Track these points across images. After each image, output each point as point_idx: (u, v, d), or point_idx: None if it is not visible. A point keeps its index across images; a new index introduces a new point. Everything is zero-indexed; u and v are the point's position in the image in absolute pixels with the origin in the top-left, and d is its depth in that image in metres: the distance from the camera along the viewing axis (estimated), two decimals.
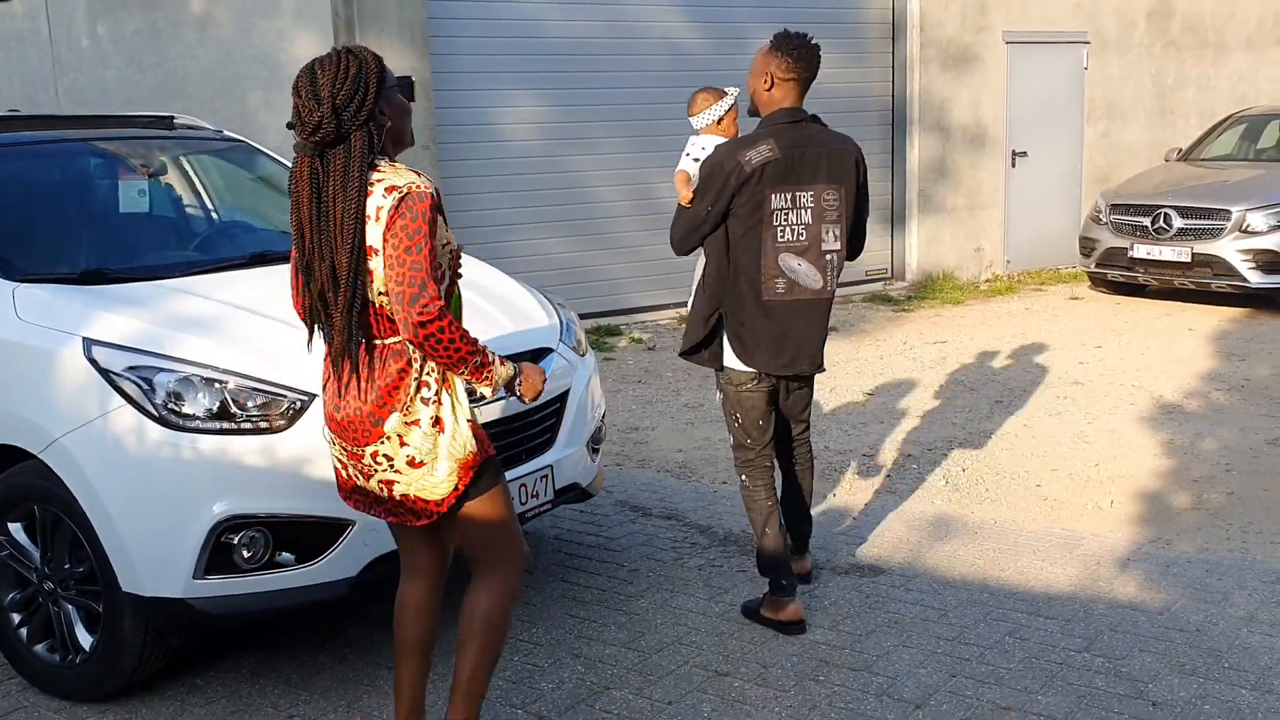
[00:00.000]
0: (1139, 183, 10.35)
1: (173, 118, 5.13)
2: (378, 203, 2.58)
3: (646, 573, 4.35)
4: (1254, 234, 9.07)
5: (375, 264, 2.60)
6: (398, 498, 2.74)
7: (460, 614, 2.86)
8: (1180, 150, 11.08)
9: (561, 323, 4.27)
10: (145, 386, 3.25)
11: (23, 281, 3.63)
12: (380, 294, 2.62)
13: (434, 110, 8.41)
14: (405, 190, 2.57)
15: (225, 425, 3.25)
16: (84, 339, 3.35)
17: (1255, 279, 9.03)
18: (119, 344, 3.33)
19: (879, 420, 6.32)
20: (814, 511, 4.94)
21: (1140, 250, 9.54)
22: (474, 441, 2.74)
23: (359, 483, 2.80)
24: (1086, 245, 10.16)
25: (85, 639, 3.44)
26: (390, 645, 3.74)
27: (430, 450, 2.68)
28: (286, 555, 3.30)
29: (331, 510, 3.28)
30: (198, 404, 3.26)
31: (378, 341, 2.67)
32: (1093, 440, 5.88)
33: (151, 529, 3.23)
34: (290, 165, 2.74)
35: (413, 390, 2.66)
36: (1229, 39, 12.66)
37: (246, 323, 3.56)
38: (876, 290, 10.49)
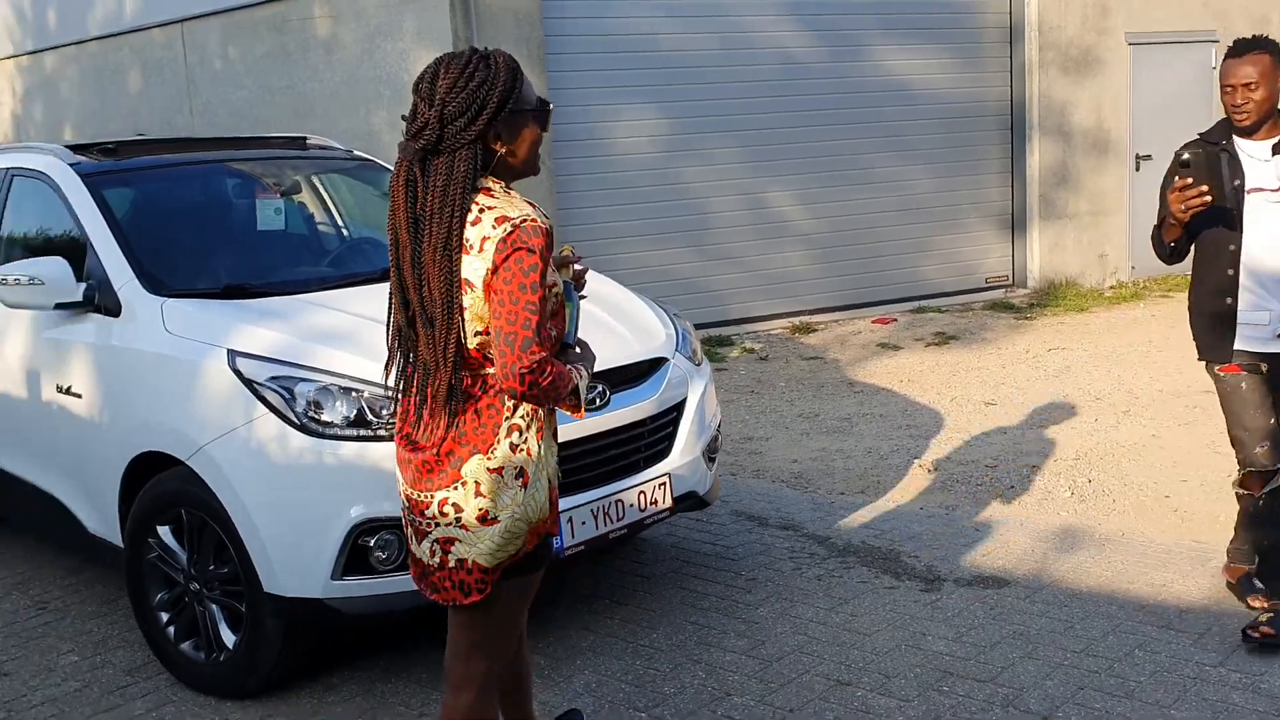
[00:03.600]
0: None
1: (305, 138, 5.35)
2: (484, 233, 2.31)
3: (765, 582, 4.36)
4: None
5: (469, 299, 2.33)
6: (452, 564, 2.41)
7: None
8: None
9: (677, 333, 4.32)
10: (287, 395, 3.40)
11: (170, 297, 3.83)
12: (478, 334, 2.36)
13: (552, 127, 8.55)
14: (518, 223, 2.30)
15: (361, 432, 3.38)
16: (228, 351, 3.52)
17: None
18: (261, 355, 3.49)
19: (1001, 430, 6.22)
20: (935, 521, 4.91)
21: None
22: (549, 507, 2.49)
23: (412, 545, 2.50)
24: None
25: (229, 637, 3.60)
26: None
27: (508, 506, 2.39)
28: None
29: None
30: (336, 412, 3.39)
31: (469, 373, 2.40)
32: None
33: (292, 532, 3.37)
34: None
35: (502, 433, 2.40)
36: None
37: (379, 334, 3.67)
38: (997, 298, 10.31)
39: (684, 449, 4.02)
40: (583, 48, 8.74)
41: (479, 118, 2.32)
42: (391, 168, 5.30)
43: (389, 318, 2.49)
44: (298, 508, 3.36)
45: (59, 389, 4.02)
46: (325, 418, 3.38)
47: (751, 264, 9.48)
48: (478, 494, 2.38)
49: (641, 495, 3.82)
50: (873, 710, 3.38)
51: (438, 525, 2.42)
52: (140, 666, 3.89)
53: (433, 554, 2.44)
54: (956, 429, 6.30)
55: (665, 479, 3.91)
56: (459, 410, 2.39)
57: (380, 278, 4.30)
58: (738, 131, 9.29)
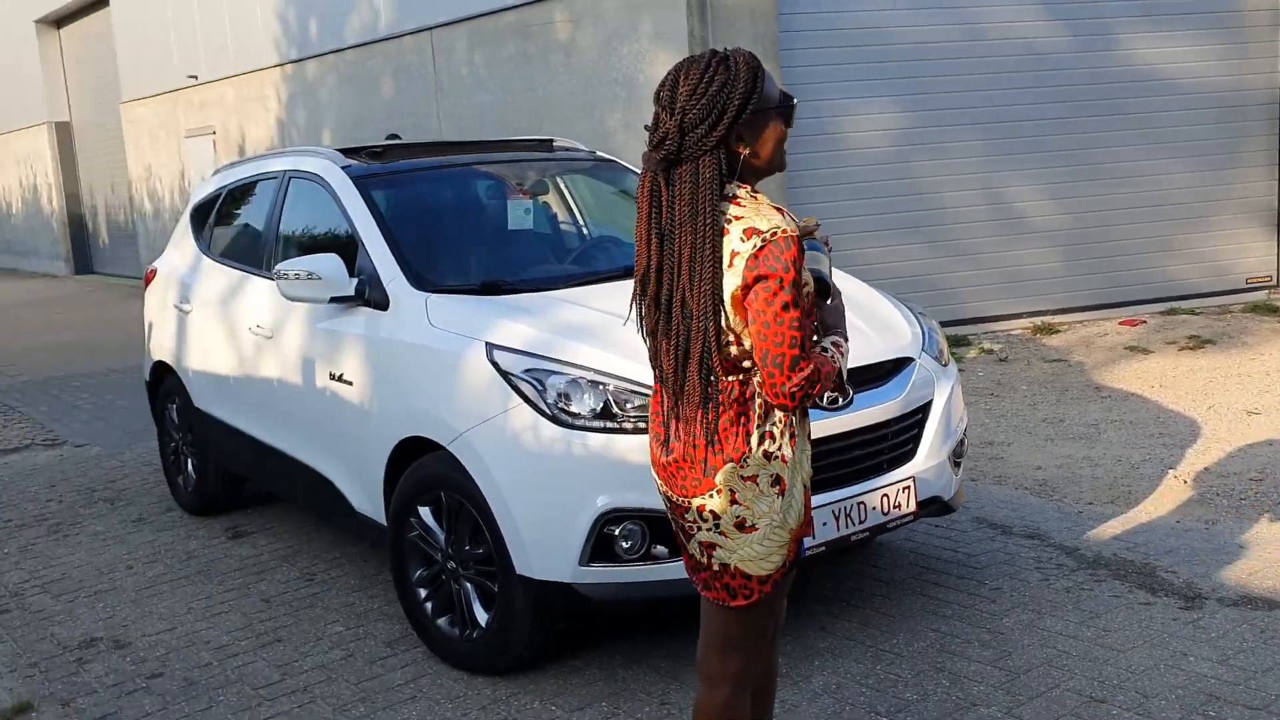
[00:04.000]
0: None
1: (552, 140, 5.53)
2: (733, 247, 2.25)
3: (1010, 592, 4.23)
4: None
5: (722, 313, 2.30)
6: (716, 567, 2.42)
7: None
8: None
9: (923, 332, 4.24)
10: (539, 387, 3.54)
11: (433, 292, 4.04)
12: (728, 343, 2.32)
13: (794, 120, 8.53)
14: (767, 237, 2.23)
15: (608, 424, 3.47)
16: (486, 344, 3.69)
17: None
18: (517, 348, 3.64)
19: (1268, 442, 5.80)
20: (1194, 536, 4.63)
21: None
22: (805, 511, 2.45)
23: (686, 543, 2.50)
24: None
25: (481, 616, 3.78)
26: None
27: (765, 513, 2.37)
28: (661, 549, 3.47)
29: None
30: (584, 404, 3.50)
31: (720, 380, 2.35)
32: None
33: (542, 517, 3.50)
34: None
35: (755, 440, 2.36)
36: None
37: (622, 330, 3.77)
38: (1259, 300, 9.62)
39: (929, 452, 3.94)
40: (818, 42, 8.67)
41: (720, 123, 2.26)
42: (632, 167, 5.46)
43: (640, 325, 2.46)
44: (548, 495, 3.49)
45: (331, 376, 4.32)
46: (574, 409, 3.49)
47: (990, 261, 9.18)
48: (734, 502, 2.36)
49: (884, 498, 3.77)
50: None
51: (699, 529, 2.43)
52: (399, 639, 4.12)
53: (700, 554, 2.45)
54: (1215, 439, 5.92)
55: (909, 482, 3.84)
56: (712, 419, 2.35)
57: (622, 275, 4.42)
58: (977, 124, 9.01)
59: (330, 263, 4.19)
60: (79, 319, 14.54)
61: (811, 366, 2.26)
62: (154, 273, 6.19)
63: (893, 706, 3.44)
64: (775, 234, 2.23)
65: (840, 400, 3.58)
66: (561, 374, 3.56)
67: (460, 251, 4.56)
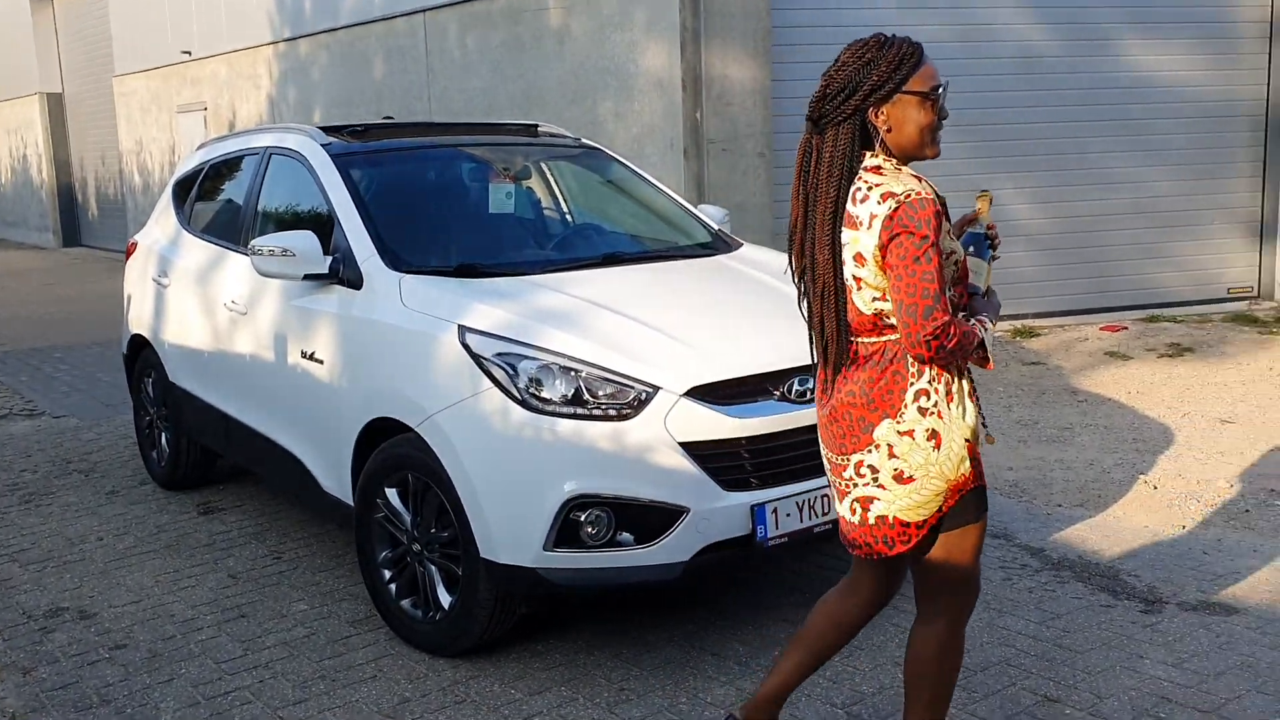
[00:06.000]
0: None
1: (537, 126, 5.53)
2: (872, 210, 2.45)
3: None
4: None
5: (866, 271, 2.49)
6: (873, 521, 2.60)
7: (906, 658, 2.78)
8: None
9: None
10: (511, 371, 3.54)
11: (408, 273, 4.04)
12: (876, 299, 2.50)
13: (771, 118, 8.56)
14: (901, 199, 2.42)
15: (579, 411, 3.48)
16: (459, 326, 3.69)
17: None
18: (489, 332, 3.65)
19: (1239, 451, 5.84)
20: (1160, 541, 4.66)
21: None
22: (969, 464, 2.56)
23: (835, 504, 2.71)
24: None
25: (445, 598, 3.78)
26: (715, 632, 3.89)
27: (922, 465, 2.52)
28: (626, 535, 3.48)
29: (668, 496, 3.45)
30: (555, 390, 3.51)
31: (872, 339, 2.55)
32: None
33: (509, 501, 3.51)
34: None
35: (909, 397, 2.51)
36: None
37: (599, 318, 3.80)
38: (1240, 310, 9.67)
39: None
40: (811, 39, 8.67)
41: (855, 94, 2.48)
42: (618, 156, 5.46)
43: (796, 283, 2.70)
44: (515, 479, 3.49)
45: (303, 354, 4.32)
46: (545, 394, 3.50)
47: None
48: (891, 456, 2.53)
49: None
50: None
51: (856, 485, 2.61)
52: (363, 619, 4.13)
53: (853, 512, 2.64)
54: (1188, 446, 5.95)
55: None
56: (862, 375, 2.54)
57: (602, 263, 4.42)
58: (968, 126, 9.00)
59: (305, 239, 4.19)
60: (64, 291, 14.49)
61: (946, 318, 2.41)
62: (135, 246, 6.17)
63: (849, 699, 3.46)
64: (909, 196, 2.42)
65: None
66: (534, 359, 3.57)
67: (438, 233, 4.56)
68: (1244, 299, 9.95)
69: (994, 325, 2.64)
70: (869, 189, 2.48)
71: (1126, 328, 9.07)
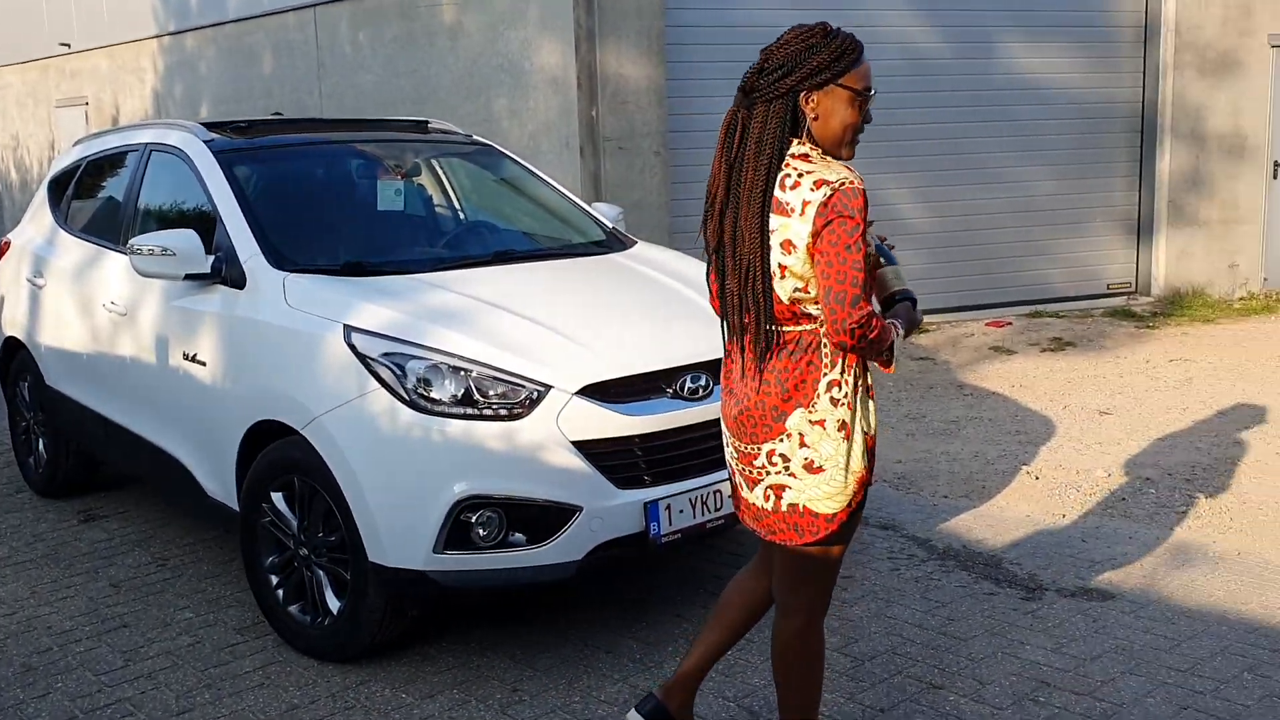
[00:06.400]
0: None
1: (427, 122, 5.47)
2: (804, 196, 2.45)
3: (861, 580, 4.33)
4: None
5: (792, 259, 2.48)
6: (784, 509, 2.61)
7: (772, 654, 2.82)
8: None
9: None
10: (398, 372, 3.50)
11: (292, 272, 3.96)
12: (798, 290, 2.50)
13: (667, 117, 8.59)
14: (836, 186, 2.43)
15: (469, 411, 3.46)
16: (344, 326, 3.63)
17: None
18: (376, 331, 3.59)
19: (1116, 441, 6.05)
20: (1041, 529, 4.81)
21: None
22: (868, 458, 2.62)
23: (744, 492, 2.72)
24: None
25: (333, 603, 3.72)
26: (607, 630, 3.90)
27: (831, 456, 2.54)
28: (518, 536, 3.47)
29: (561, 495, 3.45)
30: (444, 390, 3.48)
31: (789, 329, 2.55)
32: None
33: (397, 504, 3.46)
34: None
35: (822, 388, 2.53)
36: None
37: (490, 316, 3.77)
38: (1119, 305, 10.02)
39: None
40: (704, 39, 8.73)
41: (792, 74, 2.49)
42: (511, 154, 5.43)
43: (709, 263, 2.68)
44: (404, 481, 3.45)
45: (185, 356, 4.20)
46: (434, 395, 3.47)
47: None
48: (802, 445, 2.56)
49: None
50: (964, 716, 3.33)
51: (768, 474, 2.62)
52: (250, 626, 4.04)
53: (766, 499, 2.65)
54: (1068, 437, 6.15)
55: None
56: (778, 365, 2.55)
57: (493, 260, 4.39)
58: None
59: (186, 238, 4.07)
60: None
61: (870, 308, 2.46)
62: (8, 245, 5.94)
63: (740, 692, 3.49)
64: (844, 184, 2.44)
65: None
66: (422, 359, 3.53)
67: (324, 231, 4.48)
68: (1123, 294, 10.31)
69: (904, 335, 2.68)
70: (799, 175, 2.48)
71: (1011, 323, 9.33)
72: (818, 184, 2.45)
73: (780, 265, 2.50)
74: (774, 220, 2.51)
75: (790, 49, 2.52)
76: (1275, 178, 10.55)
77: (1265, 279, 10.62)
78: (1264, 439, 6.02)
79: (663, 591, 4.25)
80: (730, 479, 2.80)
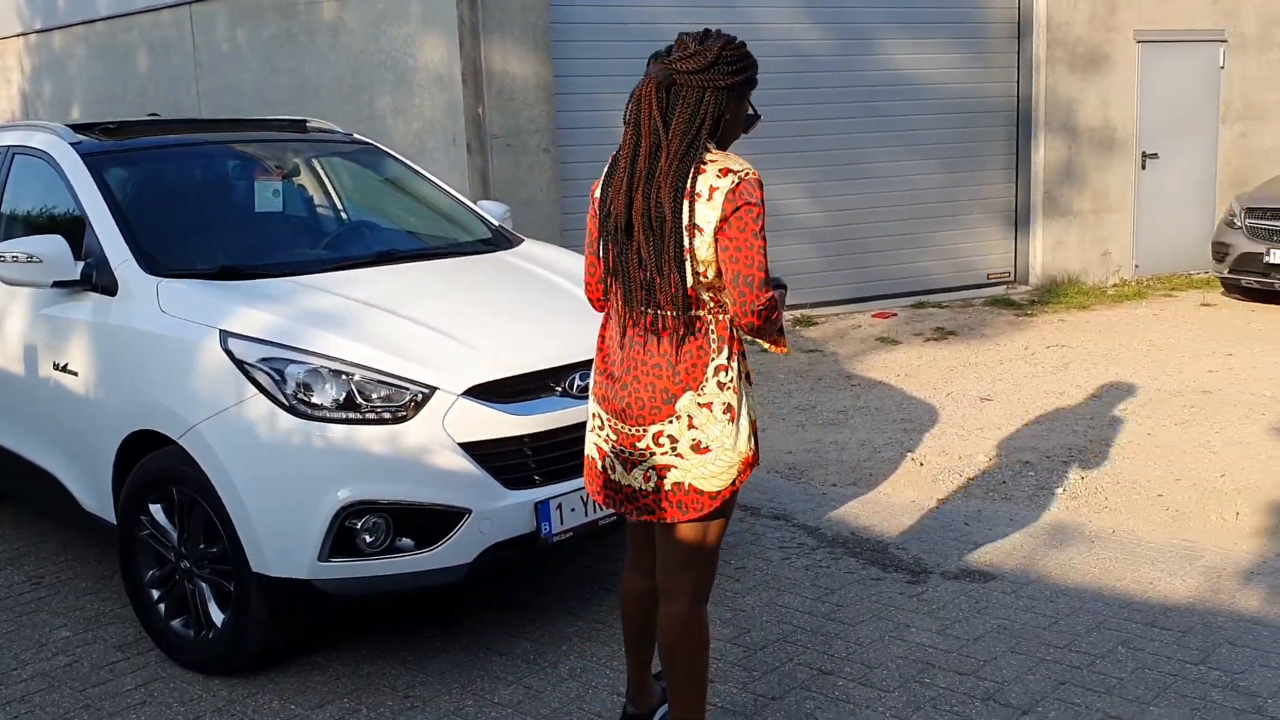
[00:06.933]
0: (1276, 186, 9.96)
1: (306, 121, 5.37)
2: (711, 183, 2.54)
3: (753, 571, 4.38)
4: None
5: (699, 243, 2.55)
6: (668, 487, 2.67)
7: (658, 645, 2.85)
8: None
9: None
10: (277, 377, 3.42)
11: (166, 277, 3.85)
12: (698, 275, 2.58)
13: (555, 114, 8.58)
14: (742, 176, 2.55)
15: (351, 415, 3.40)
16: (221, 331, 3.55)
17: None
18: (253, 336, 3.51)
19: (996, 426, 6.23)
20: (925, 514, 4.93)
21: (1277, 256, 9.18)
22: (754, 441, 2.70)
23: (615, 475, 2.76)
24: (1220, 250, 9.82)
25: (217, 615, 3.63)
26: (500, 632, 3.88)
27: (718, 437, 2.63)
28: (406, 541, 3.43)
29: (449, 499, 3.42)
30: (325, 394, 3.42)
31: (685, 314, 2.62)
32: (1220, 451, 5.70)
33: (280, 512, 3.39)
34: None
35: (710, 371, 2.62)
36: None
37: (372, 318, 3.72)
38: (998, 294, 10.31)
39: None
40: (589, 35, 8.73)
41: (739, 74, 2.61)
42: (392, 152, 5.36)
43: (604, 246, 2.71)
44: (286, 489, 3.38)
45: (56, 366, 4.06)
46: (315, 400, 3.40)
47: None
48: (690, 427, 2.63)
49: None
50: (853, 700, 3.40)
51: (654, 454, 2.67)
52: (131, 643, 3.92)
53: (647, 479, 2.70)
54: (951, 424, 6.31)
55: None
56: (681, 349, 2.62)
57: (375, 261, 4.33)
58: None
59: (53, 244, 3.93)
60: None
61: (774, 292, 2.58)
62: None
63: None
64: (747, 174, 2.57)
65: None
66: (302, 363, 3.46)
67: (200, 234, 4.36)
68: (1002, 284, 10.62)
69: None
70: (703, 163, 2.57)
71: (896, 314, 9.53)
72: (723, 171, 2.55)
73: (685, 250, 2.57)
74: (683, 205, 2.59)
75: (738, 50, 2.62)
76: (1143, 168, 10.98)
77: (1136, 266, 11.04)
78: (1136, 420, 6.26)
79: (556, 591, 4.24)
80: (592, 461, 2.84)
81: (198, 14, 10.39)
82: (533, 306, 4.14)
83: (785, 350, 2.75)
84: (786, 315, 9.28)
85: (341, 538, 3.37)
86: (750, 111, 2.70)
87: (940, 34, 10.02)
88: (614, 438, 2.76)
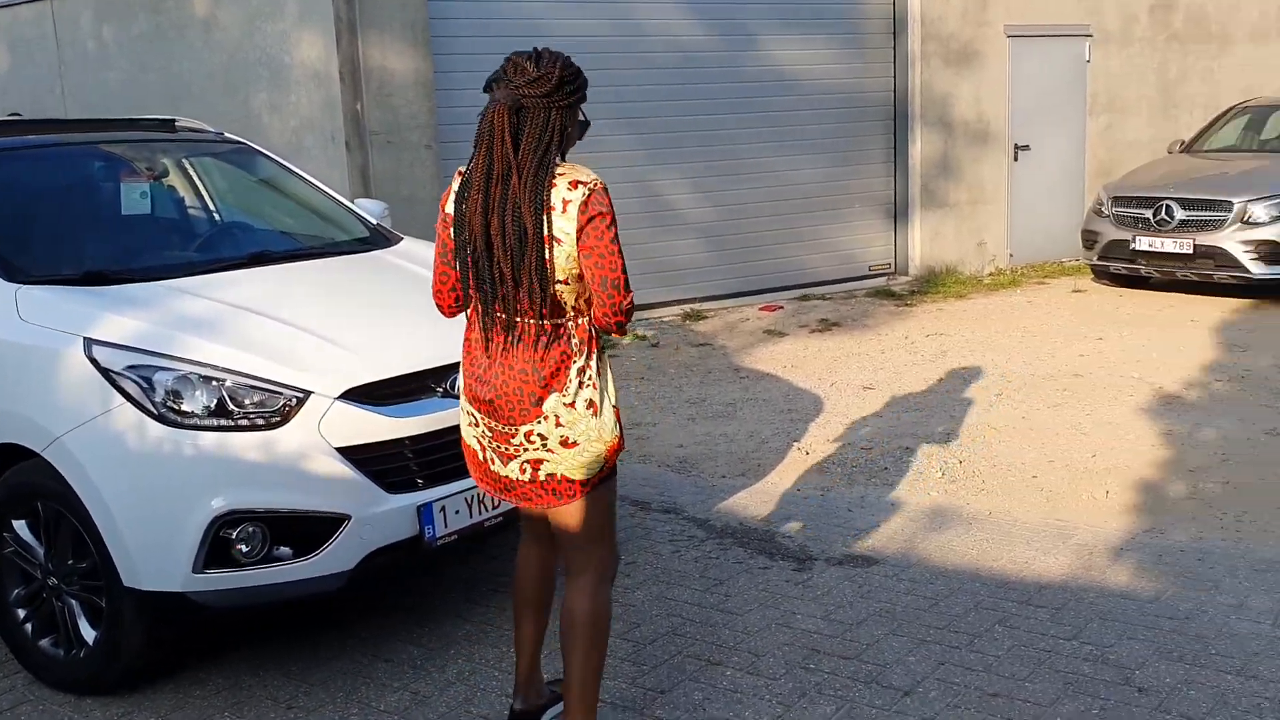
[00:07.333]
0: (1141, 175, 10.36)
1: (174, 120, 5.21)
2: (563, 195, 2.68)
3: (644, 565, 4.40)
4: (1256, 225, 9.07)
5: (558, 253, 2.68)
6: (543, 478, 2.83)
7: (560, 620, 2.93)
8: (1183, 142, 11.09)
9: None
10: (144, 385, 3.32)
11: (25, 283, 3.70)
12: (559, 282, 2.71)
13: (436, 110, 8.48)
14: (591, 187, 2.69)
15: (223, 422, 3.31)
16: (85, 339, 3.42)
17: (1257, 270, 9.04)
18: (119, 343, 3.39)
19: (877, 414, 6.36)
20: (810, 503, 5.00)
21: (1142, 242, 9.56)
22: (618, 428, 2.87)
23: (494, 467, 2.90)
24: (1089, 238, 10.18)
25: (88, 633, 3.50)
26: (386, 638, 3.82)
27: (584, 431, 2.78)
28: (284, 549, 3.35)
29: (327, 505, 3.35)
30: (196, 401, 3.32)
31: (547, 322, 2.76)
32: (1090, 432, 5.91)
33: (151, 524, 3.28)
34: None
35: (573, 373, 2.77)
36: (1233, 31, 12.64)
37: (245, 322, 3.63)
38: (880, 285, 10.53)
39: None
40: (468, 31, 8.65)
41: (578, 92, 2.75)
42: (265, 151, 5.23)
43: (463, 260, 2.79)
44: (156, 500, 3.28)
45: None
46: (185, 407, 3.31)
47: (644, 252, 9.48)
48: (558, 425, 2.77)
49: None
50: (740, 689, 3.44)
51: (526, 450, 2.82)
52: None
53: (523, 471, 2.84)
54: (835, 413, 6.42)
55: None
56: (544, 355, 2.75)
57: (248, 263, 4.22)
58: (628, 119, 9.30)
59: None
60: None
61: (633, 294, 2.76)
62: None
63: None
64: (596, 184, 2.71)
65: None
66: (170, 370, 3.36)
67: (61, 238, 4.19)
68: (883, 275, 10.84)
69: None
70: (553, 176, 2.70)
71: (783, 307, 9.66)
72: (573, 184, 2.69)
73: (546, 260, 2.70)
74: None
75: (572, 69, 2.75)
76: (1015, 160, 11.31)
77: (1011, 255, 11.38)
78: (1011, 404, 6.45)
79: (442, 595, 4.19)
80: (473, 451, 2.95)
81: (60, 10, 10.01)
82: (412, 306, 4.07)
83: (623, 334, 2.97)
84: (673, 311, 9.39)
85: (216, 548, 3.28)
86: (582, 118, 2.84)
87: (820, 30, 10.18)
88: (489, 434, 2.88)
